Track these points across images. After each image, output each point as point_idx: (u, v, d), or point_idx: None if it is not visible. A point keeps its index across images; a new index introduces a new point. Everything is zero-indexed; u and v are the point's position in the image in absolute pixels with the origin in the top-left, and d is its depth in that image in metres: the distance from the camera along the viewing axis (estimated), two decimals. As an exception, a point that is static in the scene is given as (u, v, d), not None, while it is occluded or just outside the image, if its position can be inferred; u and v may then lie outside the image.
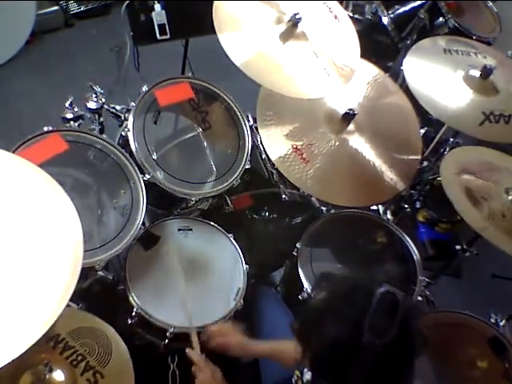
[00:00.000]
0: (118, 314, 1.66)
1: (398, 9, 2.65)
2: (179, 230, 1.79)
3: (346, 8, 2.65)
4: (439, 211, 2.52)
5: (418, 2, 2.60)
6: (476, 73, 1.92)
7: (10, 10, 2.79)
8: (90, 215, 1.61)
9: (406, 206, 2.35)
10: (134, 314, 1.58)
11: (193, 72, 2.22)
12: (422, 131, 2.02)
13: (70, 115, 1.78)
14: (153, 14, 2.11)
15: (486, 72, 1.89)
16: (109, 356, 1.39)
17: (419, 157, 1.94)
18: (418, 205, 2.49)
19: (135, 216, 1.64)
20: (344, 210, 1.94)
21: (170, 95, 1.84)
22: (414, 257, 1.86)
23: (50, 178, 1.12)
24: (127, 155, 1.71)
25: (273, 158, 1.74)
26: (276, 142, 1.75)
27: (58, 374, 1.32)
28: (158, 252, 1.72)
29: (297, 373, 1.29)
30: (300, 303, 1.72)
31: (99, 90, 1.86)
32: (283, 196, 1.94)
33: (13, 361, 0.87)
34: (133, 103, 1.80)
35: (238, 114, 1.92)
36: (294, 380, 1.31)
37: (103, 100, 1.85)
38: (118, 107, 1.90)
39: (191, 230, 1.80)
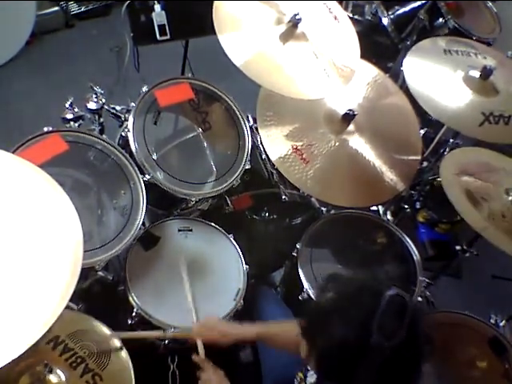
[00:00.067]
0: (118, 314, 1.66)
1: (397, 9, 2.65)
2: (179, 230, 1.79)
3: (346, 9, 2.65)
4: (439, 212, 2.52)
5: (418, 3, 2.60)
6: (476, 73, 1.92)
7: (10, 11, 2.79)
8: (90, 215, 1.61)
9: (406, 206, 2.35)
10: (134, 314, 1.58)
11: (193, 72, 2.22)
12: (422, 132, 2.02)
13: (70, 116, 1.78)
14: (153, 14, 2.11)
15: (486, 73, 1.89)
16: (108, 359, 1.39)
17: (419, 157, 1.94)
18: (417, 205, 2.49)
19: (135, 216, 1.64)
20: (344, 210, 1.94)
21: (170, 96, 1.84)
22: (414, 257, 1.86)
23: (50, 179, 1.12)
24: (127, 156, 1.71)
25: (273, 158, 1.74)
26: (276, 143, 1.75)
27: (57, 376, 1.31)
28: (158, 252, 1.72)
29: (300, 375, 1.29)
30: (300, 303, 1.72)
31: (99, 90, 1.86)
32: (283, 196, 1.94)
33: (13, 361, 0.86)
34: (133, 104, 1.80)
35: (238, 114, 1.92)
36: (296, 382, 1.31)
37: (103, 100, 1.85)
38: (118, 108, 1.90)
39: (191, 230, 1.80)
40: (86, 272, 1.65)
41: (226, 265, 1.77)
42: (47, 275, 0.98)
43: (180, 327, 1.56)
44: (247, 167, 1.85)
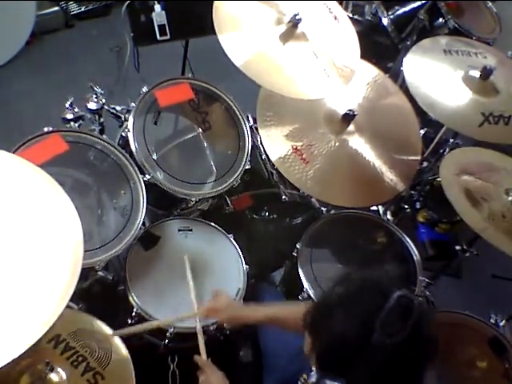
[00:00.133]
0: (118, 314, 1.66)
1: (397, 10, 2.65)
2: (179, 230, 1.79)
3: (346, 9, 2.65)
4: (439, 212, 2.52)
5: (418, 3, 2.60)
6: (476, 73, 1.92)
7: (10, 11, 2.79)
8: (90, 215, 1.61)
9: (406, 206, 2.35)
10: (134, 314, 1.58)
11: (193, 72, 2.22)
12: (422, 132, 2.02)
13: (70, 116, 1.78)
14: (153, 14, 2.11)
15: (486, 73, 1.89)
16: (109, 357, 1.39)
17: (419, 157, 1.94)
18: (417, 205, 2.49)
19: (135, 216, 1.64)
20: (344, 210, 1.94)
21: (170, 96, 1.84)
22: (414, 257, 1.86)
23: (50, 178, 1.12)
24: (127, 156, 1.71)
25: (273, 158, 1.74)
26: (276, 143, 1.75)
27: (59, 375, 1.32)
28: (158, 252, 1.72)
29: (304, 376, 1.29)
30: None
31: (99, 90, 1.86)
32: (283, 196, 1.94)
33: (13, 361, 0.87)
34: (133, 104, 1.80)
35: (238, 114, 1.92)
36: (300, 383, 1.31)
37: (103, 100, 1.85)
38: (118, 108, 1.90)
39: (191, 230, 1.80)
40: (86, 272, 1.65)
41: (225, 265, 1.77)
42: (47, 275, 0.98)
43: (181, 327, 1.56)
44: (247, 167, 1.85)
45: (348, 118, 1.79)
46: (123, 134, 1.80)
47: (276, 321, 1.47)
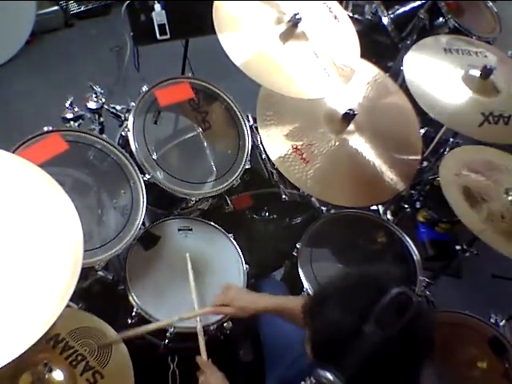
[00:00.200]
0: (118, 314, 1.66)
1: (397, 9, 2.65)
2: (179, 230, 1.79)
3: (346, 8, 2.65)
4: (439, 211, 2.52)
5: (418, 2, 2.60)
6: (476, 73, 1.92)
7: (10, 10, 2.79)
8: (90, 215, 1.61)
9: (406, 206, 2.35)
10: (133, 313, 1.58)
11: (193, 72, 2.22)
12: (422, 131, 2.02)
13: (70, 115, 1.78)
14: (153, 14, 2.11)
15: (486, 72, 1.89)
16: (108, 356, 1.39)
17: (419, 157, 1.94)
18: (417, 205, 2.49)
19: (135, 216, 1.64)
20: (344, 210, 1.94)
21: (170, 95, 1.84)
22: (414, 257, 1.86)
23: (50, 178, 1.12)
24: (127, 155, 1.71)
25: (273, 158, 1.74)
26: (276, 142, 1.75)
27: (58, 374, 1.31)
28: (158, 252, 1.72)
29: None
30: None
31: (99, 90, 1.86)
32: (283, 196, 1.94)
33: (13, 361, 0.86)
34: (133, 103, 1.80)
35: (238, 114, 1.92)
36: None
37: (103, 100, 1.85)
38: (118, 107, 1.90)
39: (191, 230, 1.80)
40: (86, 272, 1.65)
41: (225, 264, 1.77)
42: (47, 275, 0.98)
43: (181, 327, 1.56)
44: (247, 167, 1.85)
45: (348, 117, 1.79)
46: (123, 134, 1.80)
47: (283, 311, 1.47)
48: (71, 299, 0.97)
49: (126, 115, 1.83)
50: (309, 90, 1.68)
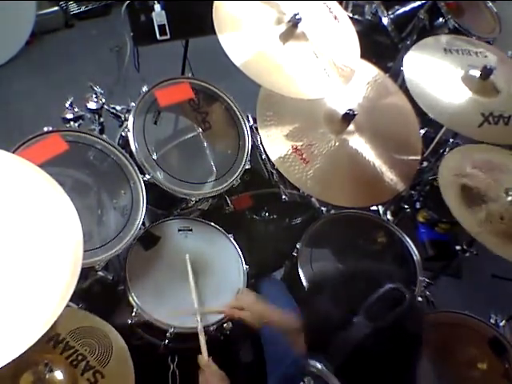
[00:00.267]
0: (118, 314, 1.66)
1: (397, 9, 2.66)
2: (179, 230, 1.79)
3: (346, 8, 2.65)
4: (439, 211, 2.52)
5: (418, 3, 2.61)
6: (476, 73, 1.92)
7: (10, 11, 2.79)
8: (90, 215, 1.61)
9: (406, 206, 2.35)
10: (134, 314, 1.58)
11: (193, 72, 2.22)
12: (422, 132, 2.02)
13: (70, 115, 1.78)
14: (153, 14, 2.11)
15: (486, 72, 1.89)
16: (109, 356, 1.39)
17: (419, 157, 1.94)
18: (417, 205, 2.49)
19: (135, 216, 1.64)
20: (344, 210, 1.94)
21: (170, 95, 1.84)
22: (414, 257, 1.86)
23: (50, 178, 1.12)
24: (127, 155, 1.71)
25: (273, 158, 1.74)
26: (276, 143, 1.75)
27: (59, 374, 1.31)
28: (158, 252, 1.72)
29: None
30: (300, 303, 1.72)
31: (99, 90, 1.86)
32: (283, 196, 1.94)
33: (13, 361, 0.87)
34: (133, 103, 1.80)
35: (238, 114, 1.92)
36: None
37: (103, 100, 1.85)
38: (118, 107, 1.90)
39: (191, 230, 1.80)
40: (86, 272, 1.65)
41: (226, 265, 1.77)
42: (47, 275, 0.98)
43: (181, 327, 1.56)
44: (247, 167, 1.85)
45: (348, 117, 1.79)
46: (123, 134, 1.80)
47: (291, 334, 1.44)
48: (71, 299, 0.97)
49: (126, 115, 1.83)
50: (309, 90, 1.68)
